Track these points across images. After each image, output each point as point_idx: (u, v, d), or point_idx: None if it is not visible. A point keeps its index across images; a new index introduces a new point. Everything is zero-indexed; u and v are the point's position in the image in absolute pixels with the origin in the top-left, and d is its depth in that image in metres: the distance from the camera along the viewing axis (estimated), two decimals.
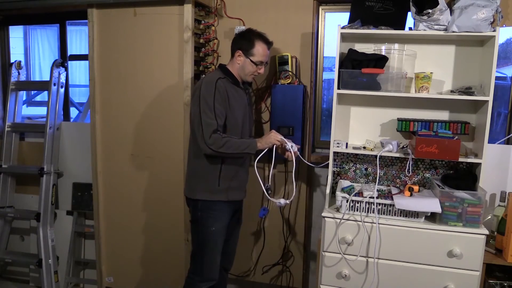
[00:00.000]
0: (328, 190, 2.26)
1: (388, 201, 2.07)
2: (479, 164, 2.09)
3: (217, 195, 2.11)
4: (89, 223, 3.03)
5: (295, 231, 2.70)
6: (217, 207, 2.12)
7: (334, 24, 2.25)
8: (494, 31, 1.99)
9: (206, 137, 1.96)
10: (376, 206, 2.06)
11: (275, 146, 2.10)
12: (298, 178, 2.62)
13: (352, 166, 2.44)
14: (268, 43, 2.17)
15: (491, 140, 2.27)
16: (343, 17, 2.44)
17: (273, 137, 2.09)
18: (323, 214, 2.13)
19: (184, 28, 2.39)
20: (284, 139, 2.10)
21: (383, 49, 2.27)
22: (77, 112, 3.78)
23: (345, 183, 2.33)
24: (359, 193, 2.14)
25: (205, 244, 2.14)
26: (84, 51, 2.84)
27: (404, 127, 2.24)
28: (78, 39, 4.61)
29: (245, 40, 2.12)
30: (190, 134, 2.18)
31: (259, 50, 2.11)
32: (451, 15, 2.05)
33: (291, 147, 2.10)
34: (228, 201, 2.15)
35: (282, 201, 2.10)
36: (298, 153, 2.16)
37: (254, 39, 2.11)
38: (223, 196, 2.12)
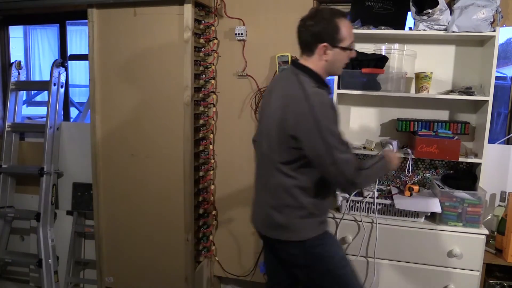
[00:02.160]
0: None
1: (388, 201, 2.07)
2: (479, 164, 2.09)
3: (320, 228, 1.70)
4: (89, 223, 3.03)
5: None
6: (326, 236, 1.73)
7: None
8: (494, 31, 1.99)
9: (349, 176, 1.51)
10: (376, 206, 2.06)
11: None
12: None
13: None
14: (347, 16, 1.65)
15: (491, 140, 2.27)
16: None
17: (395, 162, 1.71)
18: None
19: (184, 28, 2.39)
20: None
21: (383, 49, 2.27)
22: (77, 112, 3.79)
23: None
24: (359, 193, 2.14)
25: (340, 275, 1.69)
26: (84, 51, 2.83)
27: (404, 127, 2.24)
28: (78, 39, 4.62)
29: (326, 28, 1.58)
30: (282, 161, 1.61)
31: (346, 30, 1.59)
32: (451, 15, 2.05)
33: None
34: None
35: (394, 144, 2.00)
36: None
37: (335, 20, 1.58)
38: (323, 228, 1.72)
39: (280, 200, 1.65)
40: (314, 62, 1.63)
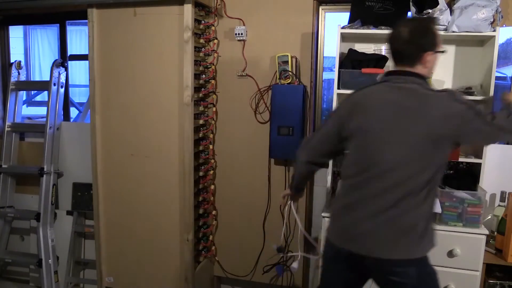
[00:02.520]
0: (328, 190, 2.26)
1: None
2: (479, 164, 2.09)
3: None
4: (89, 223, 3.03)
5: (295, 231, 2.69)
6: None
7: (334, 24, 2.25)
8: (494, 31, 1.99)
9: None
10: None
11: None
12: None
13: None
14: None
15: None
16: (343, 17, 2.44)
17: None
18: (323, 214, 2.13)
19: (184, 28, 2.39)
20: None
21: (383, 49, 2.27)
22: (77, 112, 3.78)
23: None
24: None
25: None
26: (84, 51, 2.83)
27: None
28: (78, 39, 4.62)
29: (431, 36, 1.60)
30: (427, 164, 1.51)
31: (439, 35, 1.64)
32: (451, 15, 2.05)
33: None
34: None
35: (295, 265, 2.09)
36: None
37: (432, 27, 1.62)
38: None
39: None
40: (420, 69, 1.60)
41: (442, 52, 1.64)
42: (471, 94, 2.11)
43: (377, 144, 1.55)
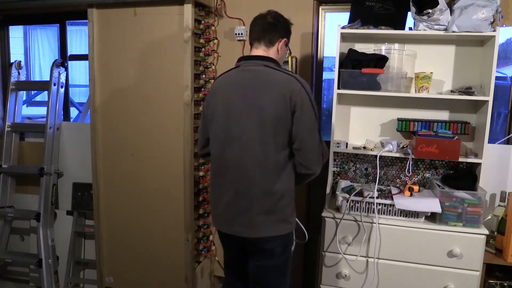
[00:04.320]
0: (328, 190, 2.26)
1: (388, 201, 2.07)
2: (479, 164, 2.09)
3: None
4: (89, 223, 3.03)
5: (295, 231, 2.69)
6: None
7: (334, 24, 2.25)
8: (494, 31, 1.99)
9: (326, 154, 1.72)
10: (376, 206, 2.06)
11: None
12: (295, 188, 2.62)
13: (352, 166, 2.44)
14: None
15: (491, 140, 2.27)
16: (343, 17, 2.44)
17: None
18: (323, 214, 2.13)
19: (184, 28, 2.39)
20: None
21: (383, 49, 2.27)
22: (77, 112, 3.78)
23: (345, 183, 2.33)
24: (359, 193, 2.14)
25: (289, 273, 1.82)
26: (84, 51, 2.83)
27: (404, 127, 2.24)
28: (78, 39, 4.62)
29: (285, 25, 1.81)
30: (276, 153, 1.66)
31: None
32: (451, 15, 2.05)
33: None
34: None
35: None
36: None
37: (289, 24, 1.85)
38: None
39: None
40: (273, 54, 1.78)
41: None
42: (471, 94, 2.11)
43: (227, 124, 1.70)
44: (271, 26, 1.77)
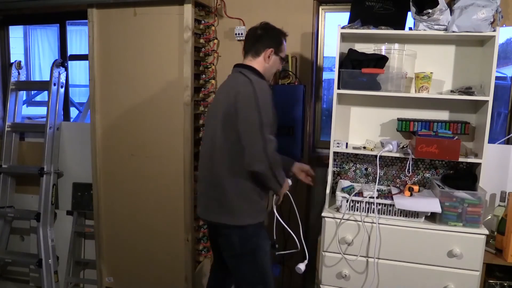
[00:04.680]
0: (328, 190, 2.26)
1: (388, 201, 2.07)
2: (479, 164, 2.09)
3: (261, 215, 1.90)
4: (89, 223, 3.03)
5: (295, 231, 2.69)
6: (263, 225, 1.94)
7: (334, 24, 2.25)
8: (494, 31, 1.99)
9: (270, 154, 1.74)
10: (376, 206, 2.06)
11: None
12: (295, 188, 2.62)
13: (352, 166, 2.44)
14: (286, 36, 2.03)
15: (491, 140, 2.27)
16: (343, 17, 2.44)
17: (285, 190, 1.95)
18: (323, 214, 2.13)
19: (184, 28, 2.39)
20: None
21: (383, 49, 2.27)
22: (77, 112, 3.78)
23: (345, 183, 2.33)
24: (359, 193, 2.14)
25: (264, 268, 1.92)
26: (84, 51, 2.83)
27: (404, 127, 2.24)
28: (78, 39, 4.61)
29: (274, 37, 1.95)
30: (227, 149, 1.82)
31: (284, 45, 1.99)
32: (451, 15, 2.05)
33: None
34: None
35: (302, 266, 2.03)
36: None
37: (280, 35, 1.97)
38: (264, 215, 1.92)
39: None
40: (257, 63, 1.95)
41: (283, 59, 2.00)
42: (471, 94, 2.11)
43: (206, 124, 1.99)
44: (258, 38, 1.94)
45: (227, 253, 1.95)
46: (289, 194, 2.05)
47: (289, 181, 2.00)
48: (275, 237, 2.19)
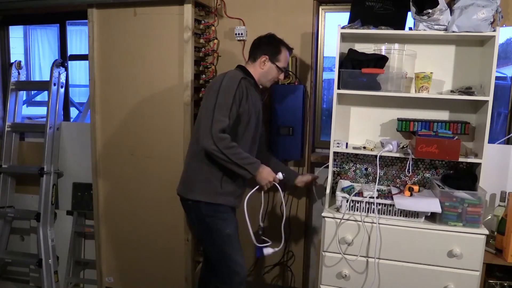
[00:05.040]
0: (328, 190, 2.26)
1: (388, 201, 2.07)
2: (479, 164, 2.09)
3: (220, 198, 2.01)
4: (89, 223, 3.03)
5: (295, 231, 2.69)
6: (222, 209, 2.02)
7: (334, 24, 2.25)
8: (494, 31, 1.99)
9: (214, 132, 1.83)
10: (376, 206, 2.06)
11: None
12: (295, 188, 2.62)
13: (352, 166, 2.44)
14: (290, 50, 2.17)
15: (491, 140, 2.27)
16: (343, 17, 2.44)
17: (266, 178, 1.98)
18: (323, 214, 2.13)
19: (184, 28, 2.39)
20: (277, 178, 2.01)
21: (383, 49, 2.27)
22: (77, 112, 3.78)
23: (345, 183, 2.33)
24: (359, 193, 2.14)
25: (225, 249, 2.03)
26: (84, 51, 2.83)
27: (404, 127, 2.24)
28: (78, 39, 4.62)
29: (271, 46, 2.10)
30: (194, 132, 2.05)
31: (284, 56, 2.12)
32: (451, 15, 2.05)
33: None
34: (231, 206, 2.08)
35: (270, 250, 2.07)
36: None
37: (280, 45, 2.11)
38: (225, 200, 2.02)
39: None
40: (252, 67, 2.11)
41: (280, 69, 2.11)
42: (471, 94, 2.11)
43: None
44: (257, 45, 2.12)
45: (192, 229, 2.20)
46: (278, 187, 2.04)
47: (280, 175, 2.01)
48: (261, 224, 2.22)
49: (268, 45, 2.10)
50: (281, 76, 2.15)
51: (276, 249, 2.08)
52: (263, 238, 2.16)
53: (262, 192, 2.04)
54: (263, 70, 2.09)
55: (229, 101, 1.89)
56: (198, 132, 1.92)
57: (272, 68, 2.10)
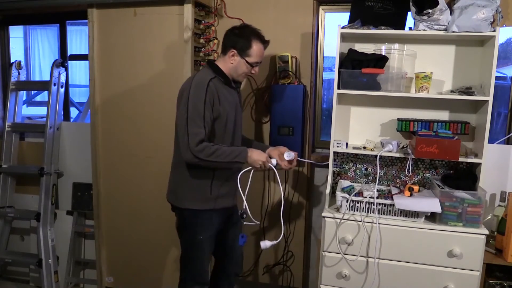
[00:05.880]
0: (328, 190, 2.26)
1: (388, 201, 2.07)
2: (479, 164, 2.09)
3: (207, 203, 1.99)
4: (89, 223, 3.03)
5: (295, 231, 2.69)
6: (205, 215, 2.00)
7: (334, 24, 2.25)
8: (494, 31, 1.99)
9: (192, 146, 1.81)
10: (376, 206, 2.06)
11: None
12: (295, 188, 2.62)
13: (352, 166, 2.44)
14: (265, 42, 2.00)
15: (491, 140, 2.27)
16: (343, 17, 2.44)
17: (258, 160, 1.92)
18: (323, 214, 2.13)
19: (184, 28, 2.39)
20: (271, 160, 1.97)
21: (383, 49, 2.27)
22: (77, 112, 3.78)
23: (345, 183, 2.33)
24: (359, 193, 2.14)
25: (193, 252, 2.05)
26: (84, 51, 2.84)
27: (404, 127, 2.24)
28: (78, 39, 4.61)
29: (241, 39, 1.93)
30: (175, 139, 2.02)
31: (256, 50, 1.94)
32: (451, 15, 2.05)
33: (288, 155, 1.99)
34: (218, 209, 2.03)
35: (268, 243, 1.99)
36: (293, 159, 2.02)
37: (251, 38, 1.93)
38: (212, 204, 1.99)
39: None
40: (222, 61, 1.99)
41: (250, 64, 1.95)
42: (471, 94, 2.11)
43: None
44: (227, 37, 1.99)
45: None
46: (274, 168, 1.99)
47: (273, 161, 1.98)
48: (245, 207, 2.03)
49: (238, 37, 1.93)
50: (255, 71, 2.00)
51: (275, 241, 2.00)
52: (246, 222, 2.06)
53: (252, 171, 1.97)
54: (233, 65, 1.95)
55: (201, 111, 1.83)
56: (179, 146, 1.90)
57: (242, 63, 1.94)
